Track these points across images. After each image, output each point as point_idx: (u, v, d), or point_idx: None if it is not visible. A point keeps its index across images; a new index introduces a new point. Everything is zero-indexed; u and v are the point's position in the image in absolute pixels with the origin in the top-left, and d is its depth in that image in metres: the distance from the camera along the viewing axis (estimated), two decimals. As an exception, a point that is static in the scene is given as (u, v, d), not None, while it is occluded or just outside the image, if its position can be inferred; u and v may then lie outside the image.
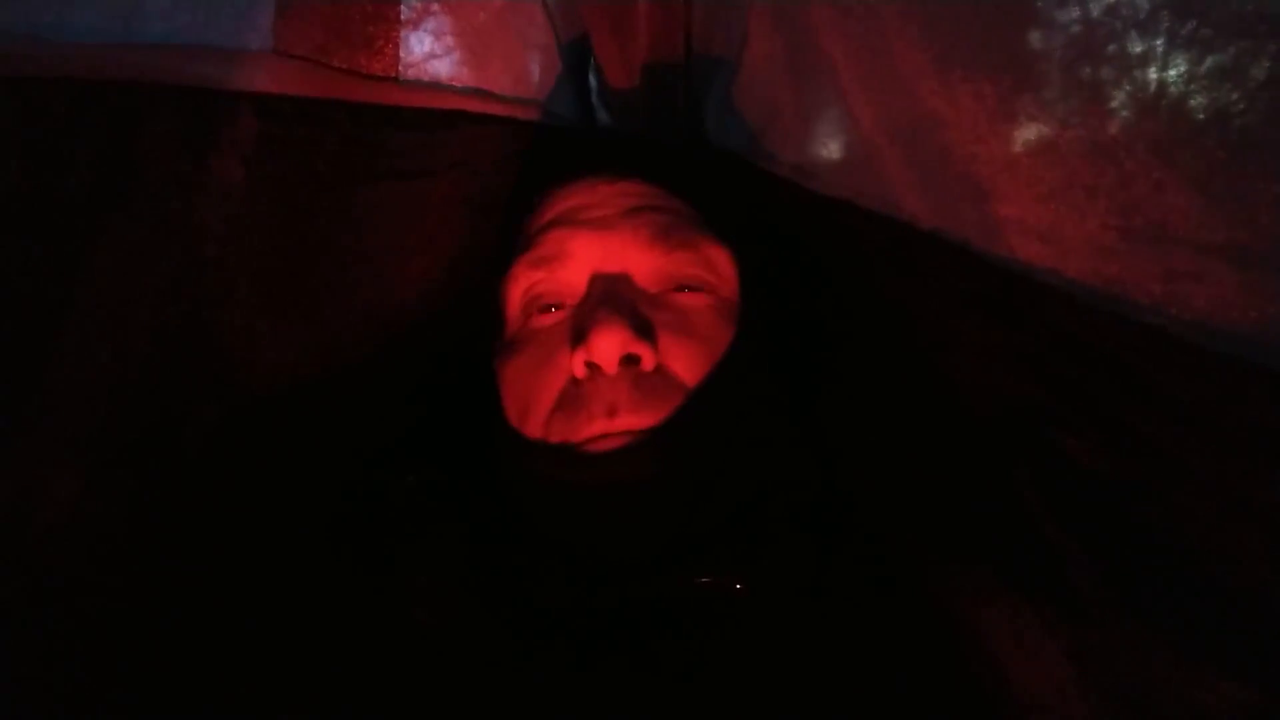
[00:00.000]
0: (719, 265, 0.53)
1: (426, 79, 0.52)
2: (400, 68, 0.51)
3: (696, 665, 0.42)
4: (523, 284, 0.54)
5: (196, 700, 0.42)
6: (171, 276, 0.44)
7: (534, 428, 0.49)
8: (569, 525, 0.47)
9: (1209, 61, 0.31)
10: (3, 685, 0.39)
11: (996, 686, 0.40)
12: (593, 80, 0.68)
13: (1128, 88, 0.34)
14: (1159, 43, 0.33)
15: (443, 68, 0.54)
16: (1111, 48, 0.34)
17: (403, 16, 0.51)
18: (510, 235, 0.57)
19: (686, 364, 0.49)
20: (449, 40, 0.54)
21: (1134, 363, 0.35)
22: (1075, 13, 0.35)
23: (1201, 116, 0.32)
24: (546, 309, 0.53)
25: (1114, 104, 0.34)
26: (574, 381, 0.49)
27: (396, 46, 0.50)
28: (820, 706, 0.41)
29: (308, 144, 0.47)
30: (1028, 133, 0.38)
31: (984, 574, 0.41)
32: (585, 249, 0.52)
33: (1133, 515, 0.35)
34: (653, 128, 0.67)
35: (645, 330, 0.48)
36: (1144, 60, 0.33)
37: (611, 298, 0.49)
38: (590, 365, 0.47)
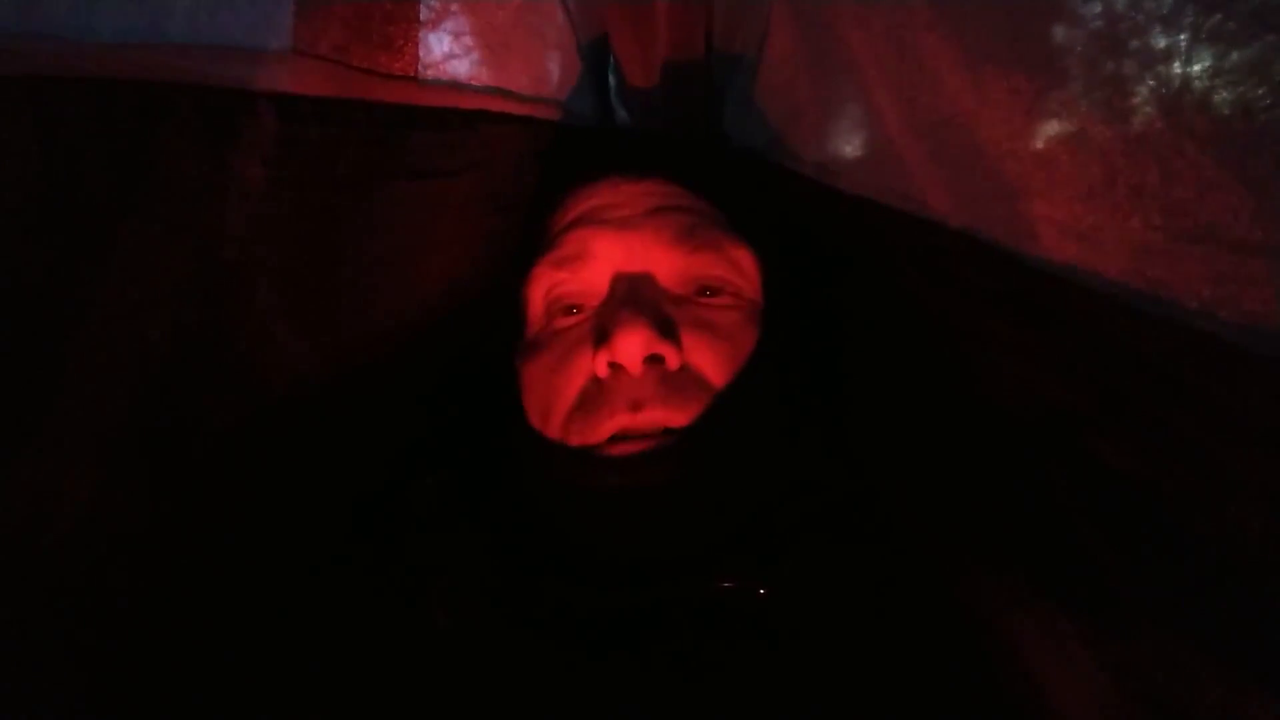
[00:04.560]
0: (743, 265, 0.52)
1: (446, 79, 0.53)
2: (420, 67, 0.51)
3: (719, 669, 0.42)
4: (544, 284, 0.53)
5: (214, 702, 0.42)
6: (190, 277, 0.44)
7: (554, 428, 0.49)
8: (590, 528, 0.47)
9: (1233, 57, 0.31)
10: (21, 685, 0.39)
11: (1030, 697, 0.39)
12: (612, 79, 0.67)
13: (1152, 83, 0.34)
14: (1183, 38, 0.32)
15: (462, 67, 0.54)
16: (1135, 43, 0.34)
17: (422, 17, 0.51)
18: (532, 235, 0.57)
19: (712, 364, 0.48)
20: (468, 40, 0.53)
21: (1180, 368, 0.33)
22: (1099, 7, 0.35)
23: (1226, 112, 0.31)
24: (568, 309, 0.53)
25: (1139, 100, 0.34)
26: (596, 382, 0.48)
27: (416, 46, 0.50)
28: (844, 712, 0.39)
29: (327, 144, 0.47)
30: (1065, 129, 0.38)
31: (1018, 581, 0.40)
32: (608, 248, 0.52)
33: (1176, 524, 0.34)
34: (673, 127, 0.66)
35: (669, 330, 0.48)
36: (1167, 55, 0.33)
37: (634, 297, 0.49)
38: (613, 365, 0.46)
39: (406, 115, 0.50)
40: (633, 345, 0.46)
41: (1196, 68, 0.31)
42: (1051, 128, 0.38)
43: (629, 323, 0.46)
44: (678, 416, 0.46)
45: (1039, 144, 0.38)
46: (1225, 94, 0.31)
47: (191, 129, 0.43)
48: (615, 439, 0.47)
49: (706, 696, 0.40)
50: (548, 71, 0.60)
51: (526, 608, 0.45)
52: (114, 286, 0.41)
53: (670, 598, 0.44)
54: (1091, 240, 0.36)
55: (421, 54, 0.51)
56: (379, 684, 0.43)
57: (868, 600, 0.44)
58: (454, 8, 0.52)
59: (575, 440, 0.48)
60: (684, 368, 0.48)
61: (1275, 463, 0.31)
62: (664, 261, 0.51)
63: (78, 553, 0.40)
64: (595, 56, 0.64)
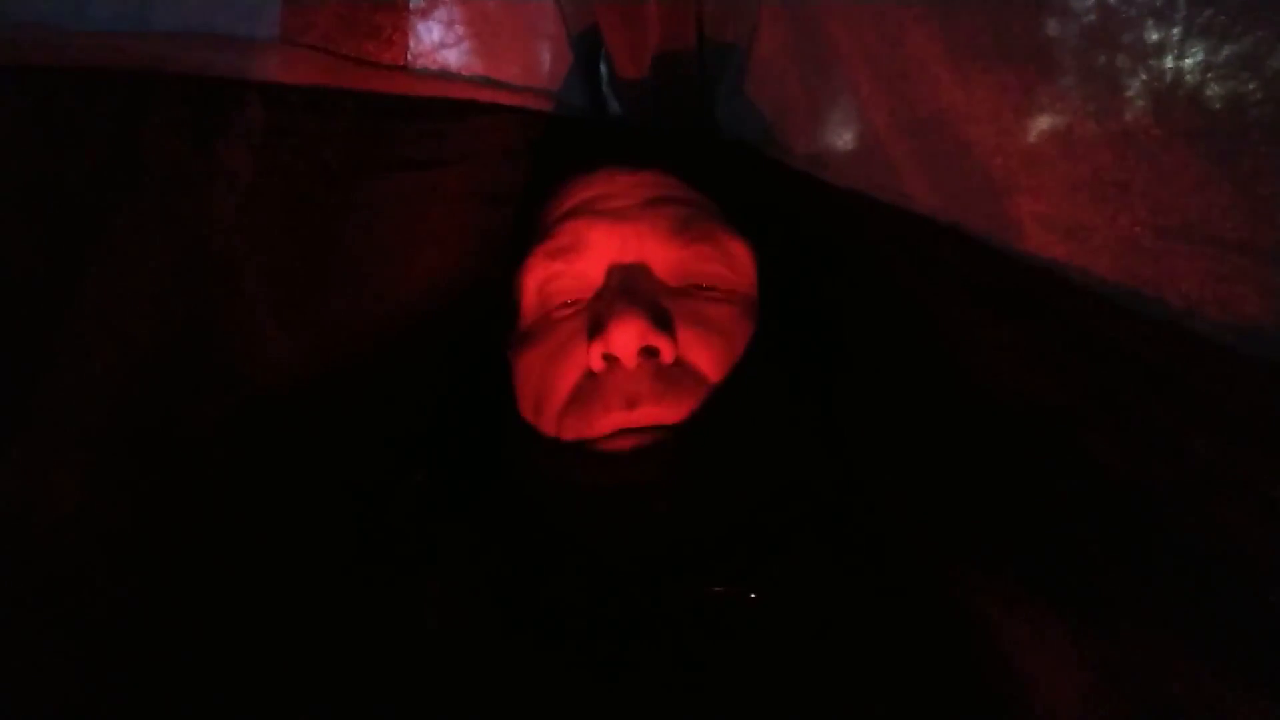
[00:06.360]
0: (738, 258, 0.52)
1: (436, 69, 0.52)
2: (410, 57, 0.50)
3: (709, 674, 0.41)
4: (539, 274, 0.53)
5: (202, 700, 0.41)
6: (177, 267, 0.43)
7: (548, 422, 0.49)
8: (582, 526, 0.46)
9: (1226, 51, 0.31)
10: (9, 681, 0.39)
11: (1017, 694, 0.39)
12: (603, 70, 0.66)
13: (1144, 77, 0.33)
14: (1175, 32, 0.32)
15: (453, 57, 0.53)
16: (1127, 37, 0.33)
17: (413, 6, 0.51)
18: (526, 225, 0.56)
19: (707, 358, 0.48)
20: (459, 30, 0.53)
21: (1166, 365, 0.33)
22: (1091, 1, 0.35)
23: (1219, 107, 0.31)
24: (563, 301, 0.52)
25: (1132, 94, 0.34)
26: (590, 375, 0.48)
27: (405, 36, 0.49)
28: (836, 715, 0.39)
29: (315, 134, 0.47)
30: (1053, 125, 0.37)
31: (1006, 578, 0.40)
32: (603, 239, 0.51)
33: (1163, 520, 0.33)
34: (664, 118, 0.64)
35: (664, 322, 0.47)
36: (1160, 49, 0.32)
37: (630, 289, 0.48)
38: (608, 358, 0.46)
39: (395, 105, 0.49)
40: (628, 337, 0.45)
41: (1188, 62, 0.31)
42: (1039, 124, 0.37)
43: (624, 314, 0.45)
44: (673, 415, 0.46)
45: (1026, 140, 0.38)
46: (1217, 88, 0.31)
47: (179, 118, 0.42)
48: (611, 433, 0.46)
49: (696, 701, 0.40)
50: (539, 62, 0.59)
51: (515, 609, 0.45)
52: (101, 276, 0.41)
53: (661, 602, 0.43)
54: (1078, 237, 0.36)
55: (412, 44, 0.50)
56: (368, 683, 0.43)
57: (857, 602, 0.44)
58: (445, -2, 0.52)
59: (569, 435, 0.47)
60: (679, 361, 0.47)
61: (1260, 459, 0.31)
62: (660, 254, 0.51)
63: (65, 548, 0.39)
64: (586, 47, 0.63)
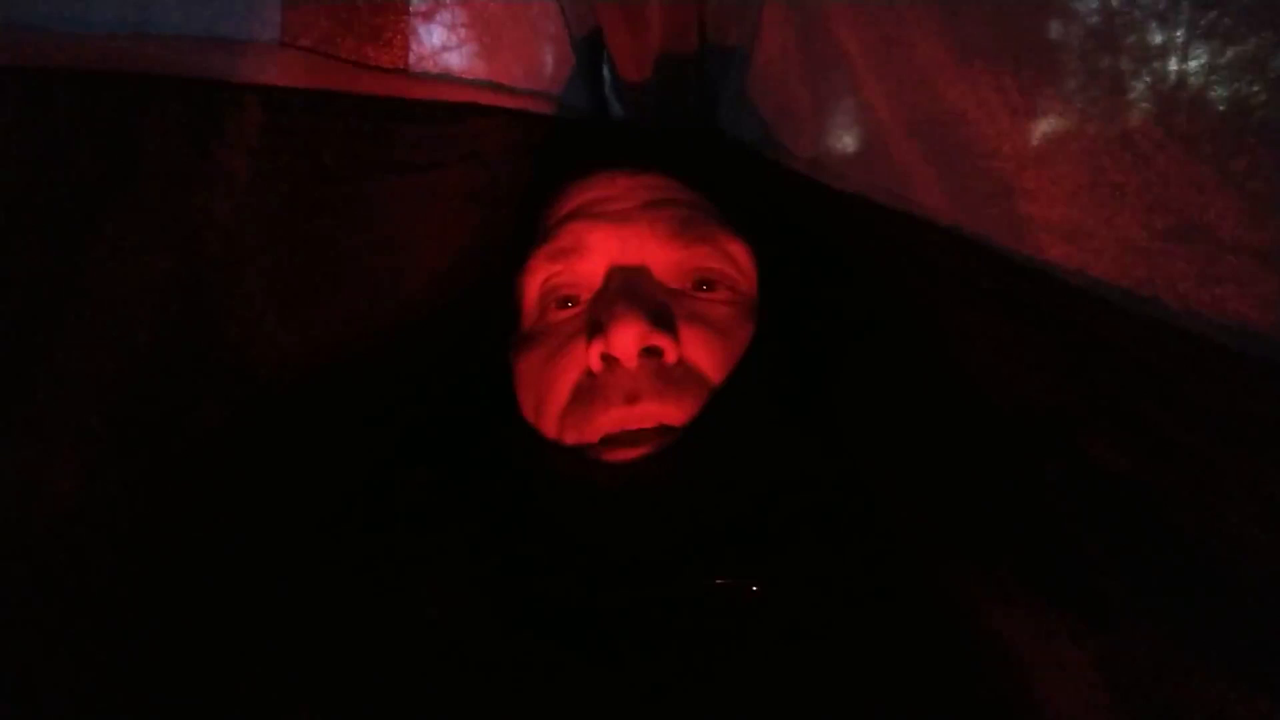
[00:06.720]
0: (738, 259, 0.52)
1: (439, 71, 0.52)
2: (412, 59, 0.50)
3: (711, 666, 0.41)
4: (540, 276, 0.53)
5: (202, 696, 0.41)
6: (176, 269, 0.43)
7: (548, 424, 0.49)
8: (584, 524, 0.46)
9: (1229, 53, 0.31)
10: (7, 678, 0.39)
11: (1020, 695, 0.39)
12: (606, 73, 0.66)
13: (1147, 79, 0.33)
14: (1179, 34, 0.32)
15: (455, 60, 0.53)
16: (1131, 39, 0.33)
17: (415, 9, 0.51)
18: (527, 227, 0.56)
19: (708, 358, 0.48)
20: (461, 32, 0.53)
21: (1164, 366, 0.33)
22: (1095, 3, 0.35)
23: (1222, 109, 0.31)
24: (564, 303, 0.53)
25: (1135, 96, 0.34)
26: (590, 375, 0.48)
27: (405, 38, 0.49)
28: (836, 710, 0.38)
29: (314, 136, 0.47)
30: (1053, 127, 0.37)
31: (1007, 577, 0.40)
32: (603, 241, 0.51)
33: (1162, 521, 0.34)
34: (667, 120, 0.65)
35: (665, 322, 0.47)
36: (1163, 51, 0.32)
37: (630, 290, 0.48)
38: (607, 358, 0.46)
39: (394, 108, 0.49)
40: (627, 337, 0.45)
41: (1192, 64, 0.31)
42: (1039, 126, 0.38)
43: (624, 315, 0.45)
44: (674, 412, 0.46)
45: (1026, 142, 0.38)
46: (1220, 90, 0.31)
47: (177, 121, 0.42)
48: (610, 441, 0.46)
49: (697, 694, 0.40)
50: (541, 64, 0.59)
51: (517, 604, 0.45)
52: (99, 278, 0.40)
53: (663, 595, 0.43)
54: (1078, 239, 0.36)
55: (414, 46, 0.50)
56: (367, 677, 0.43)
57: (859, 597, 0.44)
58: (447, 0, 0.52)
59: (570, 438, 0.47)
60: (680, 362, 0.47)
61: (1259, 461, 0.31)
62: (660, 255, 0.51)
63: (61, 545, 0.39)
64: (589, 50, 0.63)
